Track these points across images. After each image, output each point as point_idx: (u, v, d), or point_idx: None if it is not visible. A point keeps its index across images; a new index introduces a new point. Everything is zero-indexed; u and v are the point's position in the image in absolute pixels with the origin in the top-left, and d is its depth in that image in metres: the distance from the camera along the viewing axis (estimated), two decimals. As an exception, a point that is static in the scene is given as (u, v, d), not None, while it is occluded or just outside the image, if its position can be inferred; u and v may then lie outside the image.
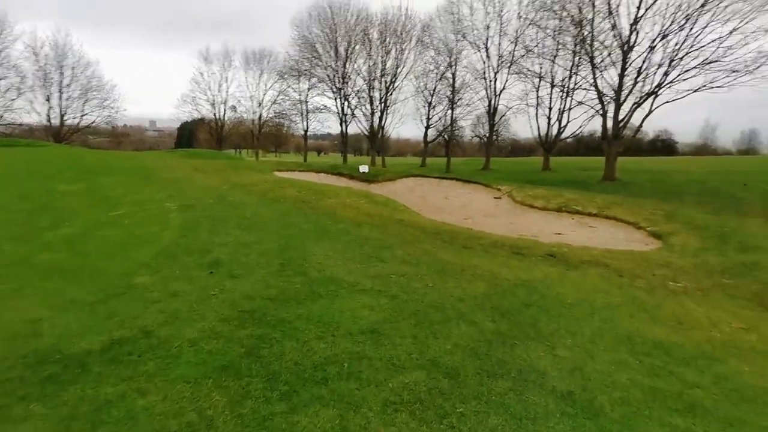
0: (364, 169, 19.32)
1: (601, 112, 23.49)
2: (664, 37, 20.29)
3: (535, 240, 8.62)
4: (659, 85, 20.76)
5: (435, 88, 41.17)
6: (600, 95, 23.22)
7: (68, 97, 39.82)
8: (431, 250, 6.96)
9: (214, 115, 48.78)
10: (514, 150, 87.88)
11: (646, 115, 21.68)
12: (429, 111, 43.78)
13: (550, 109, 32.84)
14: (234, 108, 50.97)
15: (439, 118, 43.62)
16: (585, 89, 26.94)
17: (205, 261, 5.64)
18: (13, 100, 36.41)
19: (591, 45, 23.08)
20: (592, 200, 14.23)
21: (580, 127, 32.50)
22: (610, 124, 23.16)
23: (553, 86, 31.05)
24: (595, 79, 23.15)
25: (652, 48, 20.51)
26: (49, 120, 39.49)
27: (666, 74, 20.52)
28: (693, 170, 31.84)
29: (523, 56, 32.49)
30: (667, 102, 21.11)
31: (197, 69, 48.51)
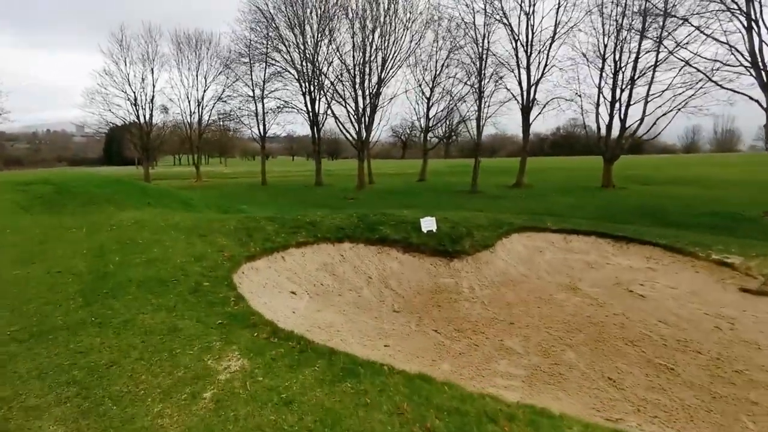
0: (429, 226, 9.10)
1: (765, 103, 14.74)
2: None
3: None
4: None
5: (436, 73, 31.30)
6: (760, 69, 14.49)
7: None
8: None
9: (137, 118, 35.69)
10: (495, 151, 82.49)
11: None
12: (428, 108, 33.97)
13: (612, 102, 23.93)
14: (165, 109, 38.24)
15: (444, 117, 33.89)
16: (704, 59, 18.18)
17: None
18: None
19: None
20: None
21: (655, 124, 23.70)
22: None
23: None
24: (751, 42, 14.49)
25: None
26: None
27: None
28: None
29: (573, 27, 23.72)
30: None
31: (111, 56, 35.11)
